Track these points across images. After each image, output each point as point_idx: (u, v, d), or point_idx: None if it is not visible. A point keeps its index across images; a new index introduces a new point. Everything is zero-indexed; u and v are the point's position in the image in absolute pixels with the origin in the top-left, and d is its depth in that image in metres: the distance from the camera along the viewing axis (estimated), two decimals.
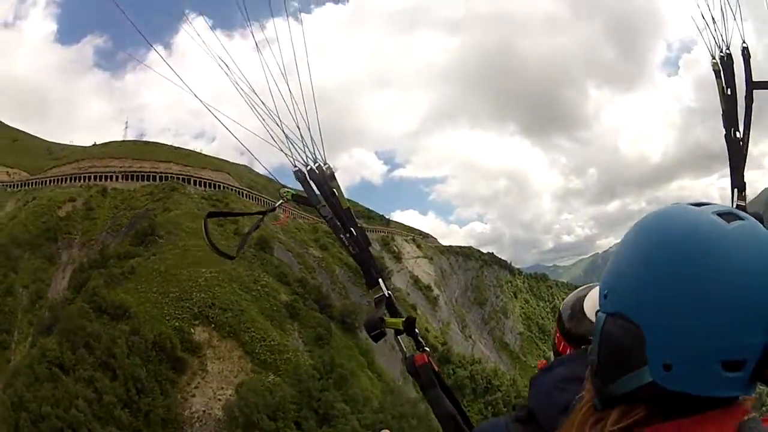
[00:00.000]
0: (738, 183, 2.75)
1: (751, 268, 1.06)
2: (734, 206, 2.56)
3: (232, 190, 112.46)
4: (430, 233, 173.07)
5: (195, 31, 2.73)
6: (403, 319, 2.40)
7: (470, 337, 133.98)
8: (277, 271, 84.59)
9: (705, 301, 1.04)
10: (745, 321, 1.04)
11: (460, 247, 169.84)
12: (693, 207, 1.16)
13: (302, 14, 3.01)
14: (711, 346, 1.04)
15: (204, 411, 61.97)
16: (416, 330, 2.39)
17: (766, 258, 1.07)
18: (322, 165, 2.63)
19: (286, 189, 2.71)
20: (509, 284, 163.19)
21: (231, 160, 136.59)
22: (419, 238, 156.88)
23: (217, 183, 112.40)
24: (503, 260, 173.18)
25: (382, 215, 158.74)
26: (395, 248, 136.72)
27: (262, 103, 2.65)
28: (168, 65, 2.72)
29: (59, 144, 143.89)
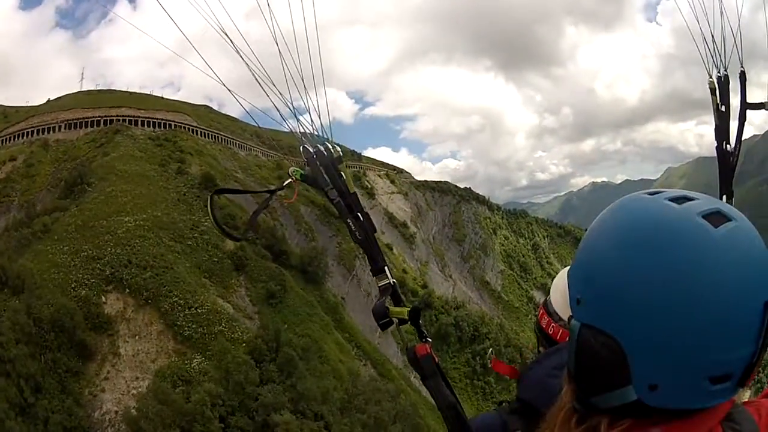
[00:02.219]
0: (726, 191, 2.84)
1: (742, 279, 0.98)
2: None
3: (184, 128, 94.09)
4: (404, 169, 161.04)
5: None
6: (408, 309, 2.21)
7: (450, 276, 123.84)
8: (222, 214, 65.85)
9: (695, 319, 0.97)
10: (735, 336, 0.98)
11: (436, 182, 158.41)
12: (673, 204, 1.06)
13: None
14: (699, 364, 0.99)
15: (116, 412, 44.41)
16: (421, 321, 2.20)
17: (756, 265, 1.00)
18: (330, 147, 2.45)
19: (295, 168, 2.47)
20: (488, 220, 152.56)
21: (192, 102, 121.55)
22: (393, 173, 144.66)
23: (168, 122, 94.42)
24: (481, 195, 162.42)
25: (354, 150, 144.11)
26: (368, 184, 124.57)
27: (272, 82, 2.48)
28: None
29: (14, 107, 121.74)
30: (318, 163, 2.43)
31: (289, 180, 2.49)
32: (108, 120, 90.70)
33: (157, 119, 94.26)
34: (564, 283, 1.49)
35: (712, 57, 2.97)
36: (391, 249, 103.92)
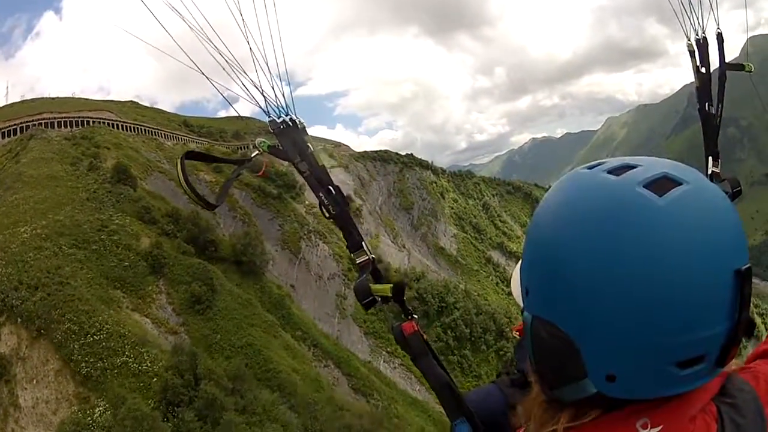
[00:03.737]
0: (712, 151, 2.79)
1: (697, 250, 0.87)
2: (709, 172, 2.63)
3: (103, 123, 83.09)
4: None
5: None
6: (391, 285, 2.13)
7: (404, 246, 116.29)
8: (136, 207, 52.75)
9: (645, 302, 0.87)
10: (700, 313, 0.88)
11: (376, 151, 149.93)
12: (611, 176, 0.96)
13: None
14: (658, 350, 0.89)
15: None
16: (404, 297, 2.16)
17: (717, 232, 0.90)
18: (294, 118, 2.35)
19: (262, 140, 2.35)
20: (434, 185, 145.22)
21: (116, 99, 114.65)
22: (331, 147, 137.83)
23: (86, 119, 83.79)
24: (424, 161, 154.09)
25: None
26: None
27: (234, 58, 2.37)
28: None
29: None
30: (286, 134, 2.30)
31: (257, 152, 2.35)
32: (24, 127, 79.57)
33: (73, 118, 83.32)
34: (517, 272, 1.33)
35: (690, 20, 2.92)
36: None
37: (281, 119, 2.29)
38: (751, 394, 1.00)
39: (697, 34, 2.92)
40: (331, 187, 2.26)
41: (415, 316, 2.04)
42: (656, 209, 0.88)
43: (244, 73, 2.33)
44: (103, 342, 37.71)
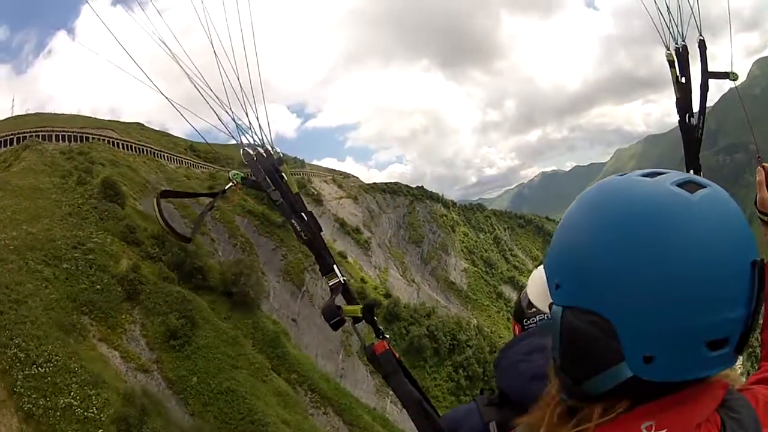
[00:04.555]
0: (694, 165, 2.77)
1: (726, 240, 0.96)
2: None
3: (102, 140, 79.57)
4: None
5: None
6: (361, 306, 2.21)
7: (413, 281, 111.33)
8: (120, 226, 47.28)
9: (681, 283, 0.93)
10: (728, 296, 0.94)
11: (386, 183, 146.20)
12: (645, 179, 1.04)
13: None
14: (693, 329, 0.94)
15: None
16: (375, 317, 2.20)
17: (737, 226, 0.98)
18: (270, 149, 2.47)
19: (235, 172, 2.50)
20: (444, 218, 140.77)
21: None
22: (340, 177, 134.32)
23: (86, 135, 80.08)
24: (434, 193, 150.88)
25: (296, 157, 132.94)
26: (313, 190, 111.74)
27: (211, 90, 2.48)
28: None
29: None
30: (259, 165, 2.39)
31: (231, 184, 2.45)
32: (22, 138, 75.86)
33: (72, 132, 79.54)
34: (541, 275, 1.35)
35: (669, 29, 2.85)
36: (345, 257, 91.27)
37: (255, 150, 2.41)
38: (752, 413, 1.03)
39: (676, 43, 2.82)
40: (303, 214, 2.36)
41: (387, 336, 2.10)
42: (691, 203, 0.95)
43: (220, 104, 2.41)
44: (49, 376, 31.57)
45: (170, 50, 2.41)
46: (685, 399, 0.97)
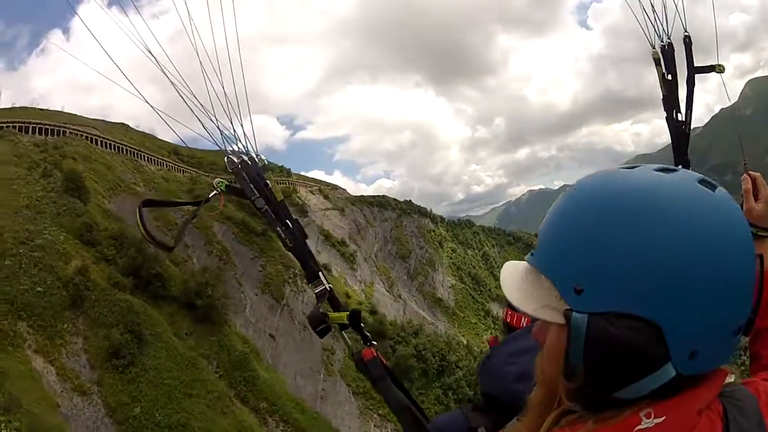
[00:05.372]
0: (683, 160, 2.78)
1: (744, 235, 0.98)
2: None
3: (81, 135, 75.21)
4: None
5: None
6: (347, 313, 2.22)
7: (399, 296, 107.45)
8: (77, 223, 41.42)
9: (724, 277, 0.93)
10: (749, 285, 0.96)
11: (374, 196, 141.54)
12: (664, 174, 1.00)
13: None
14: (730, 319, 0.95)
15: None
16: (362, 323, 2.24)
17: (745, 225, 0.99)
18: (254, 157, 2.49)
19: (219, 180, 2.47)
20: (432, 233, 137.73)
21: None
22: (327, 189, 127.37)
23: (63, 129, 75.55)
24: (422, 207, 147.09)
25: (282, 166, 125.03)
26: (299, 200, 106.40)
27: (196, 98, 2.49)
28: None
29: None
30: (243, 173, 2.40)
31: (215, 192, 2.44)
32: None
33: (51, 126, 74.55)
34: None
35: (654, 27, 2.85)
36: (330, 270, 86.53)
37: (240, 158, 2.40)
38: (755, 402, 1.02)
39: (662, 41, 2.84)
40: (289, 222, 2.36)
41: (374, 343, 2.12)
42: (716, 202, 0.95)
43: (205, 112, 2.42)
44: None
45: (155, 58, 2.44)
46: (685, 387, 0.95)
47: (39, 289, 35.27)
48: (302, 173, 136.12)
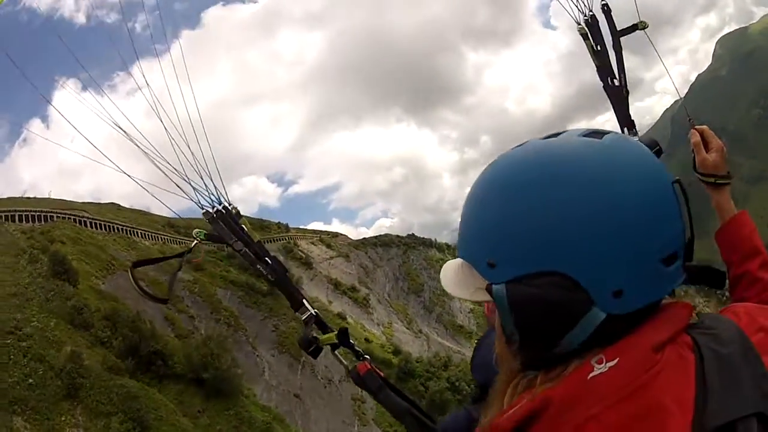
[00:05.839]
0: (626, 122, 2.83)
1: (647, 166, 1.00)
2: None
3: (70, 219, 73.29)
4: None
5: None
6: (335, 333, 2.39)
7: (420, 332, 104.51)
8: (67, 307, 39.17)
9: (623, 214, 0.94)
10: (663, 214, 0.97)
11: (376, 237, 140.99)
12: (551, 139, 1.04)
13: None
14: (647, 251, 0.95)
15: None
16: (351, 340, 2.39)
17: (649, 157, 1.02)
18: (227, 205, 2.67)
19: (198, 230, 2.67)
20: (441, 262, 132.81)
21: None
22: (328, 237, 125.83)
23: (51, 214, 73.52)
24: (426, 239, 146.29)
25: (279, 222, 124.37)
26: (301, 253, 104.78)
27: (166, 160, 2.70)
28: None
29: None
30: (219, 221, 2.59)
31: (195, 242, 2.61)
32: None
33: (38, 212, 72.58)
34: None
35: (575, 4, 2.94)
36: (345, 318, 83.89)
37: (215, 208, 2.61)
38: (732, 325, 1.01)
39: (585, 15, 2.89)
40: (268, 259, 2.53)
41: (367, 357, 2.27)
42: (604, 145, 0.98)
43: (177, 173, 2.60)
44: None
45: (124, 131, 2.62)
46: (637, 326, 0.95)
47: (31, 380, 32.44)
48: (301, 227, 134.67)
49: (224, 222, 2.57)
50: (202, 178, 2.62)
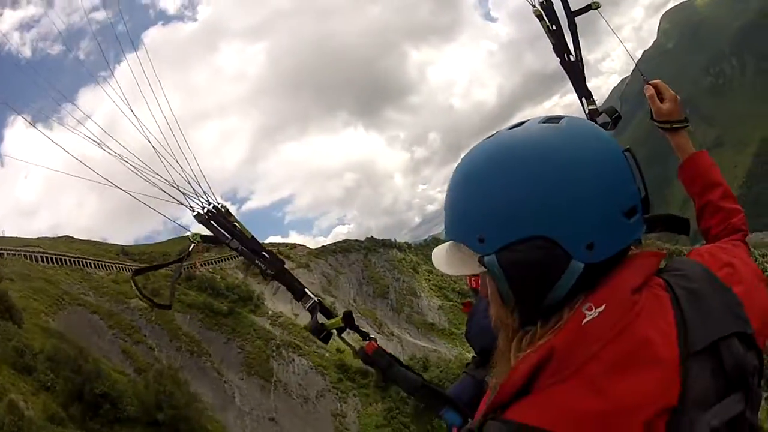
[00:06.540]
0: (584, 93, 2.91)
1: (600, 140, 1.14)
2: (587, 111, 2.85)
3: (20, 255, 70.94)
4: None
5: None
6: (340, 317, 2.39)
7: (392, 334, 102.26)
8: (8, 348, 34.26)
9: (586, 179, 1.08)
10: (620, 176, 1.11)
11: (335, 243, 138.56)
12: (515, 128, 1.19)
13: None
14: (610, 207, 1.09)
15: None
16: (355, 322, 2.39)
17: (601, 133, 1.17)
18: (216, 205, 2.63)
19: (194, 233, 2.62)
20: (403, 262, 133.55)
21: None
22: (286, 249, 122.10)
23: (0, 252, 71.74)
24: (386, 240, 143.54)
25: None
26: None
27: (151, 169, 2.65)
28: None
29: None
30: (212, 221, 2.53)
31: (192, 245, 2.57)
32: None
33: None
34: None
35: None
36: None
37: (205, 210, 2.53)
38: (697, 264, 1.20)
39: None
40: (264, 253, 2.52)
41: (373, 336, 2.28)
42: (561, 128, 1.13)
43: (165, 181, 2.54)
44: None
45: (109, 148, 2.59)
46: (614, 274, 1.09)
47: None
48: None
49: (217, 222, 2.51)
50: (189, 183, 2.55)
